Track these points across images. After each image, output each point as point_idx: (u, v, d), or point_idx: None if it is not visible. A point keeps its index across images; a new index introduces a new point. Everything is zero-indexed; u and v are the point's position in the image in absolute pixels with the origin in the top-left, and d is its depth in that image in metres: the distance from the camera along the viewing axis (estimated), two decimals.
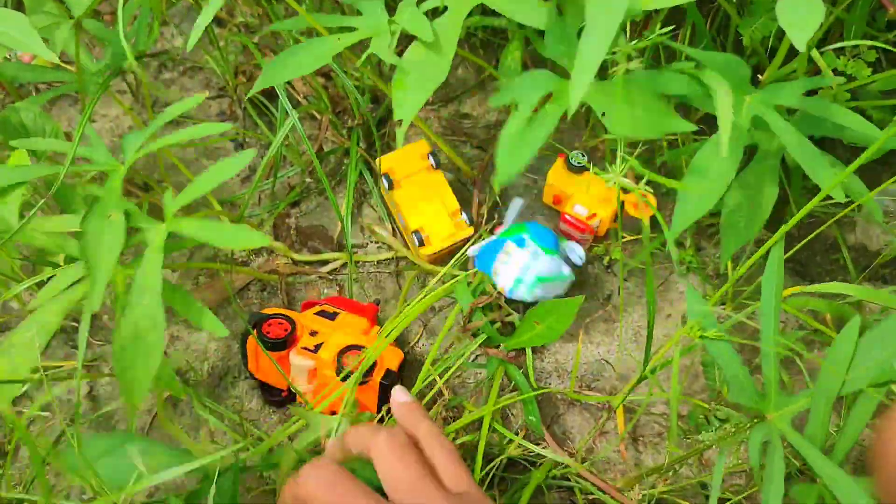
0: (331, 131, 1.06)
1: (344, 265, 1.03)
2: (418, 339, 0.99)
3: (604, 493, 0.85)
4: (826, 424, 0.60)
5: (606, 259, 1.02)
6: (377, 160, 1.00)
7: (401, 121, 0.71)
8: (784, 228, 0.62)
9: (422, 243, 0.95)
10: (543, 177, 1.03)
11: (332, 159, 1.10)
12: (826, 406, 0.60)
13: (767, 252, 0.66)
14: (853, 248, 1.04)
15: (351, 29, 0.76)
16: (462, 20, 0.72)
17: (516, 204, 0.96)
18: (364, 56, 0.74)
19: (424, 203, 0.98)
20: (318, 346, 0.86)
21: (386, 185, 0.98)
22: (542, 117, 0.68)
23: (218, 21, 1.20)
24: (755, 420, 0.64)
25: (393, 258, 1.04)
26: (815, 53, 0.74)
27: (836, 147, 0.99)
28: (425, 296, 0.89)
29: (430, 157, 1.00)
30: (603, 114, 0.66)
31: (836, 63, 0.80)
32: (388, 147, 1.11)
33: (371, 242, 1.06)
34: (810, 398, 0.60)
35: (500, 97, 0.70)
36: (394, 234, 1.04)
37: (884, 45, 0.76)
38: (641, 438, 0.93)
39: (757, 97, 0.68)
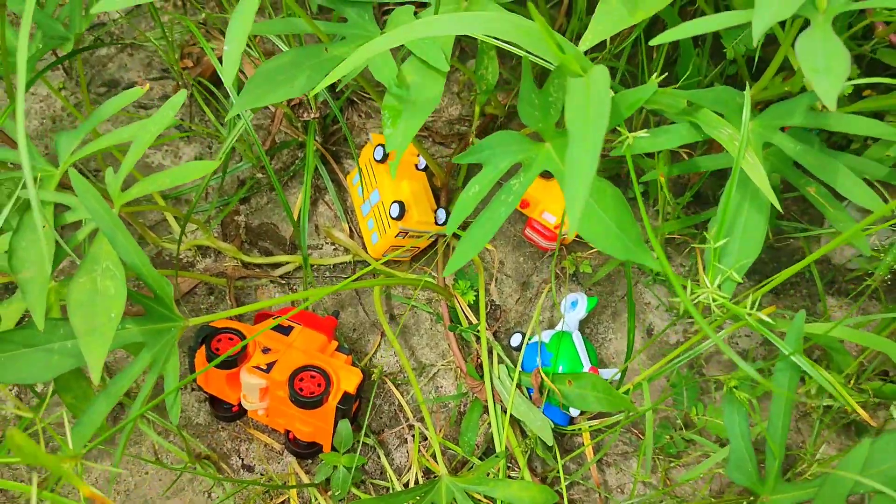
0: (284, 124, 0.98)
1: (297, 268, 0.97)
2: (376, 350, 0.94)
3: None
4: None
5: (572, 269, 0.99)
6: (371, 134, 0.95)
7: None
8: (796, 267, 0.58)
9: (401, 216, 0.89)
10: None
11: (286, 153, 1.03)
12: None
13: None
14: (818, 261, 1.03)
15: (338, 37, 0.70)
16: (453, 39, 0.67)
17: (581, 306, 0.91)
18: (354, 73, 0.68)
19: (409, 183, 0.93)
20: (270, 365, 0.81)
21: (380, 155, 0.94)
22: (507, 193, 0.63)
23: None
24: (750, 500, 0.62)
25: (350, 262, 0.98)
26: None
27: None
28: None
29: (419, 157, 0.95)
30: None
31: None
32: (343, 141, 1.05)
33: (326, 244, 1.00)
34: (813, 491, 0.58)
35: (467, 156, 0.65)
36: (350, 236, 0.98)
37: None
38: (605, 458, 0.91)
39: (760, 122, 0.64)
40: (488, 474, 0.79)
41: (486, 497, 0.80)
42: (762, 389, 0.73)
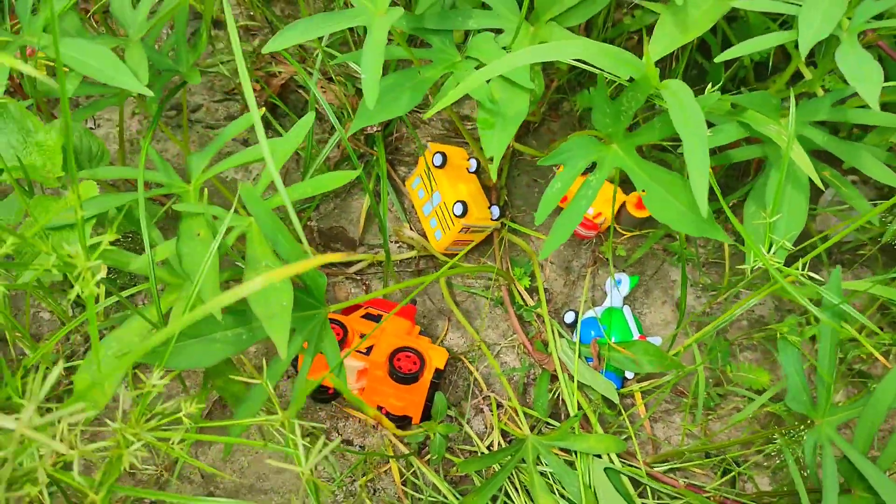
0: (349, 137, 1.10)
1: (369, 265, 1.09)
2: (445, 334, 1.07)
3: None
4: (871, 435, 0.72)
5: (609, 254, 1.13)
6: (429, 142, 1.08)
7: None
8: (834, 239, 0.73)
9: (464, 213, 1.01)
10: (553, 172, 1.11)
11: (349, 164, 1.15)
12: (873, 426, 0.72)
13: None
14: (816, 233, 1.18)
15: (425, 61, 0.82)
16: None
17: (625, 284, 1.05)
18: (445, 101, 0.79)
19: (465, 185, 1.05)
20: (369, 349, 0.93)
21: (439, 161, 1.06)
22: (587, 188, 0.76)
23: (216, 23, 1.21)
24: (806, 426, 0.76)
25: (415, 257, 1.10)
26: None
27: None
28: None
29: (472, 161, 1.07)
30: (643, 190, 0.75)
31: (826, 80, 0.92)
32: (398, 150, 1.17)
33: (392, 243, 1.12)
34: (851, 411, 0.73)
35: (550, 159, 0.78)
36: (414, 232, 1.10)
37: None
38: (652, 415, 1.05)
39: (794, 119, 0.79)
40: (570, 430, 0.91)
41: (563, 451, 0.93)
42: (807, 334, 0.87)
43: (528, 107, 0.76)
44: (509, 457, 0.89)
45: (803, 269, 0.72)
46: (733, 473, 0.99)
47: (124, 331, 0.77)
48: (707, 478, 1.00)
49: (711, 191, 0.65)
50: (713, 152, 1.09)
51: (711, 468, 1.00)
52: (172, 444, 0.59)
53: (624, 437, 1.01)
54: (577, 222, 0.76)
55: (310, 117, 0.78)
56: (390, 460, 0.96)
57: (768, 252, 0.73)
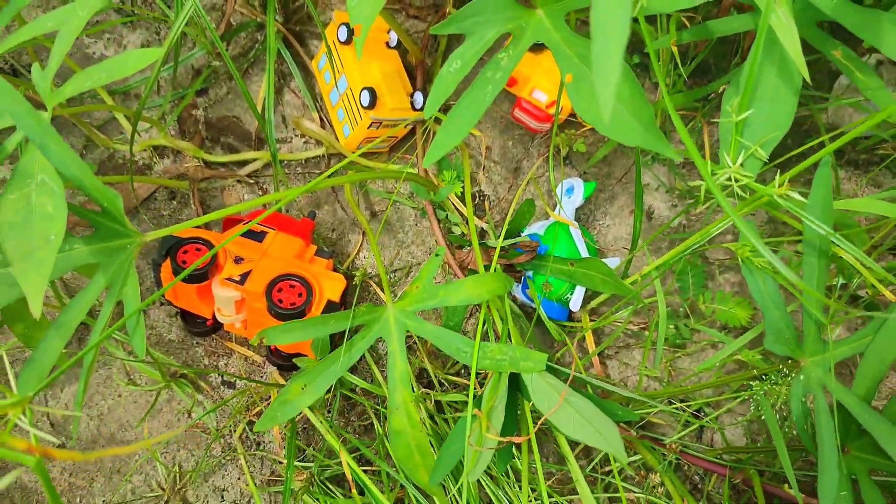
0: (240, 3, 0.87)
1: (266, 165, 0.89)
2: (358, 251, 0.87)
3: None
4: (877, 379, 0.54)
5: (565, 151, 0.91)
6: (334, 12, 0.85)
7: None
8: (830, 148, 0.51)
9: (372, 104, 0.80)
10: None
11: (243, 37, 0.92)
12: (881, 364, 0.53)
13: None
14: (826, 129, 0.96)
15: None
16: None
17: (578, 192, 0.83)
18: None
19: (380, 65, 0.84)
20: (244, 276, 0.74)
21: (344, 35, 0.83)
22: (494, 68, 0.54)
23: None
24: (791, 367, 0.58)
25: (323, 155, 0.89)
26: None
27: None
28: None
29: (390, 34, 0.85)
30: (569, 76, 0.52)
31: None
32: (308, 20, 0.94)
33: (296, 136, 0.91)
34: (851, 346, 0.54)
35: (447, 26, 0.55)
36: (322, 126, 0.89)
37: None
38: (605, 351, 0.87)
39: None
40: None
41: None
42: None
43: None
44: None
45: (783, 183, 0.51)
46: (697, 424, 0.81)
47: None
48: (670, 429, 0.83)
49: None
50: (693, 21, 0.85)
51: (673, 416, 0.83)
52: None
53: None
54: (475, 117, 0.54)
55: (154, 52, 0.56)
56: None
57: (735, 162, 0.52)
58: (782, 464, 0.58)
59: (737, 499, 0.79)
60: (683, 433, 0.80)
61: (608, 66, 0.33)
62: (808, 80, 0.54)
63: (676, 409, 0.81)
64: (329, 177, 0.82)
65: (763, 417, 0.66)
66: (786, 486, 0.74)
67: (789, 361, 0.59)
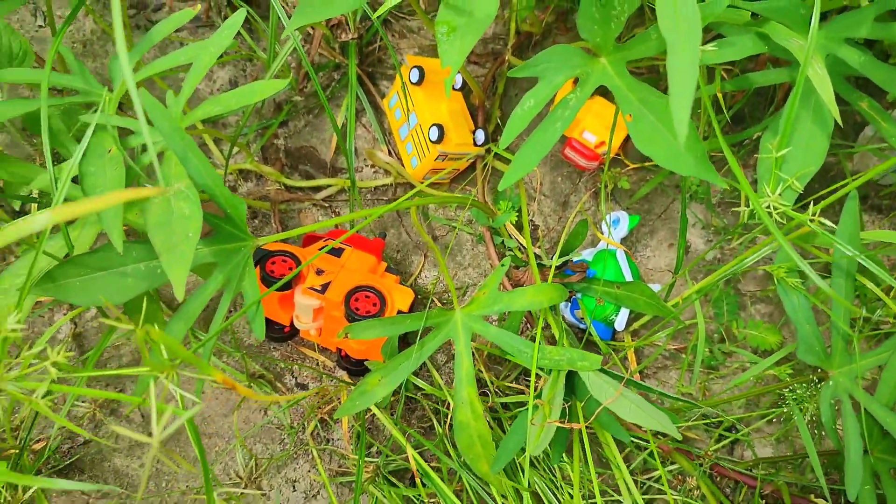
0: (322, 46, 0.97)
1: (339, 191, 0.98)
2: (420, 271, 0.96)
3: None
4: None
5: (611, 187, 1.00)
6: (406, 56, 0.95)
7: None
8: (858, 181, 0.60)
9: (440, 139, 0.90)
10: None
11: (321, 76, 1.02)
12: None
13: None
14: (851, 175, 1.04)
15: None
16: None
17: (623, 224, 0.92)
18: None
19: (447, 104, 0.93)
20: (324, 286, 0.82)
21: (416, 77, 0.93)
22: (563, 108, 0.63)
23: None
24: (820, 378, 0.65)
25: (391, 184, 0.99)
26: None
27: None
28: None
29: (458, 77, 0.95)
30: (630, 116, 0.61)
31: None
32: (380, 62, 1.04)
33: (366, 166, 1.01)
34: (875, 358, 0.61)
35: (523, 70, 0.64)
36: (390, 157, 0.98)
37: None
38: (644, 371, 0.94)
39: (825, 33, 0.64)
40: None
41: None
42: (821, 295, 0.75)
43: (496, 7, 0.63)
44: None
45: (816, 213, 0.59)
46: (730, 438, 0.88)
47: (23, 264, 0.68)
48: (704, 444, 0.90)
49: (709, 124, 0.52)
50: (731, 73, 0.94)
51: (706, 432, 0.90)
52: (37, 397, 0.50)
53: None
54: (545, 150, 0.63)
55: (240, 15, 0.66)
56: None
57: (774, 193, 0.60)
58: (811, 461, 0.65)
59: None
60: (717, 447, 0.87)
61: (683, 99, 0.42)
62: (839, 122, 0.62)
63: (710, 422, 0.88)
64: (402, 201, 0.91)
65: (792, 430, 0.74)
66: (812, 496, 0.80)
67: (818, 371, 0.67)
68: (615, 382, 0.68)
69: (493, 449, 0.70)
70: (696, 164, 0.59)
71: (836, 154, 0.99)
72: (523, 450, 0.70)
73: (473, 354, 0.89)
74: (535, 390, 0.68)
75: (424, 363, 0.90)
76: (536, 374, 0.69)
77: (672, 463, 0.85)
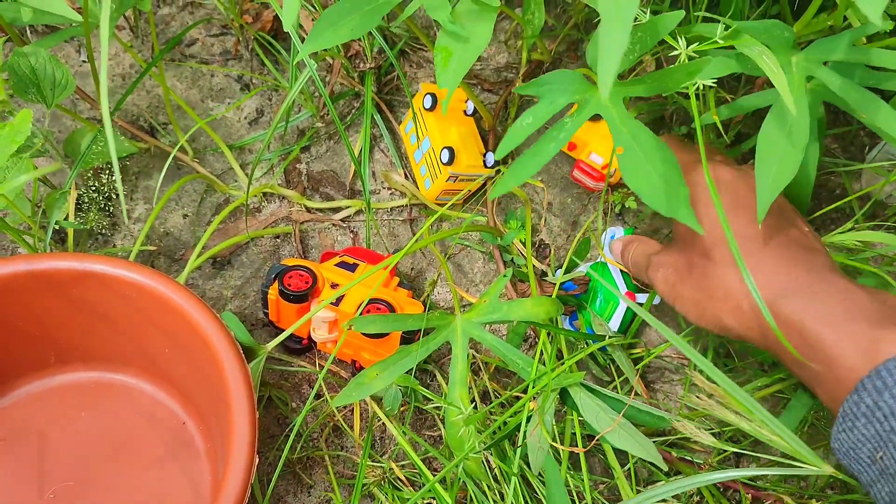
0: (341, 75, 1.03)
1: (357, 212, 1.03)
2: (433, 288, 1.00)
3: None
4: None
5: (619, 207, 1.03)
6: (420, 83, 1.01)
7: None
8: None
9: (451, 161, 0.95)
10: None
11: (341, 104, 1.08)
12: None
13: None
14: (859, 197, 1.06)
15: None
16: None
17: (618, 236, 0.96)
18: (410, 11, 0.71)
19: (458, 129, 0.99)
20: (339, 299, 0.87)
21: (429, 103, 0.99)
22: (559, 129, 0.67)
23: None
24: None
25: (407, 205, 1.04)
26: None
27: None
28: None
29: (467, 103, 1.00)
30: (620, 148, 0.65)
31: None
32: (398, 90, 1.09)
33: (383, 188, 1.06)
34: None
35: (528, 87, 0.69)
36: (406, 179, 1.03)
37: None
38: (652, 385, 0.97)
39: (803, 56, 0.67)
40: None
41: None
42: None
43: (491, 31, 0.67)
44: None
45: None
46: (731, 450, 0.90)
47: None
48: (707, 455, 0.92)
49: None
50: (723, 100, 0.97)
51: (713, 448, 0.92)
52: None
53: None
54: (535, 168, 0.67)
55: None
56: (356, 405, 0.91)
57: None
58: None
59: None
60: (720, 457, 0.89)
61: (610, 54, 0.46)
62: (806, 131, 0.64)
63: (715, 431, 0.90)
64: (422, 231, 0.95)
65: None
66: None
67: None
68: (604, 405, 0.72)
69: None
70: (674, 204, 0.61)
71: (834, 169, 1.01)
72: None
73: (480, 367, 0.93)
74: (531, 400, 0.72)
75: (434, 376, 0.94)
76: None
77: (678, 472, 0.87)
